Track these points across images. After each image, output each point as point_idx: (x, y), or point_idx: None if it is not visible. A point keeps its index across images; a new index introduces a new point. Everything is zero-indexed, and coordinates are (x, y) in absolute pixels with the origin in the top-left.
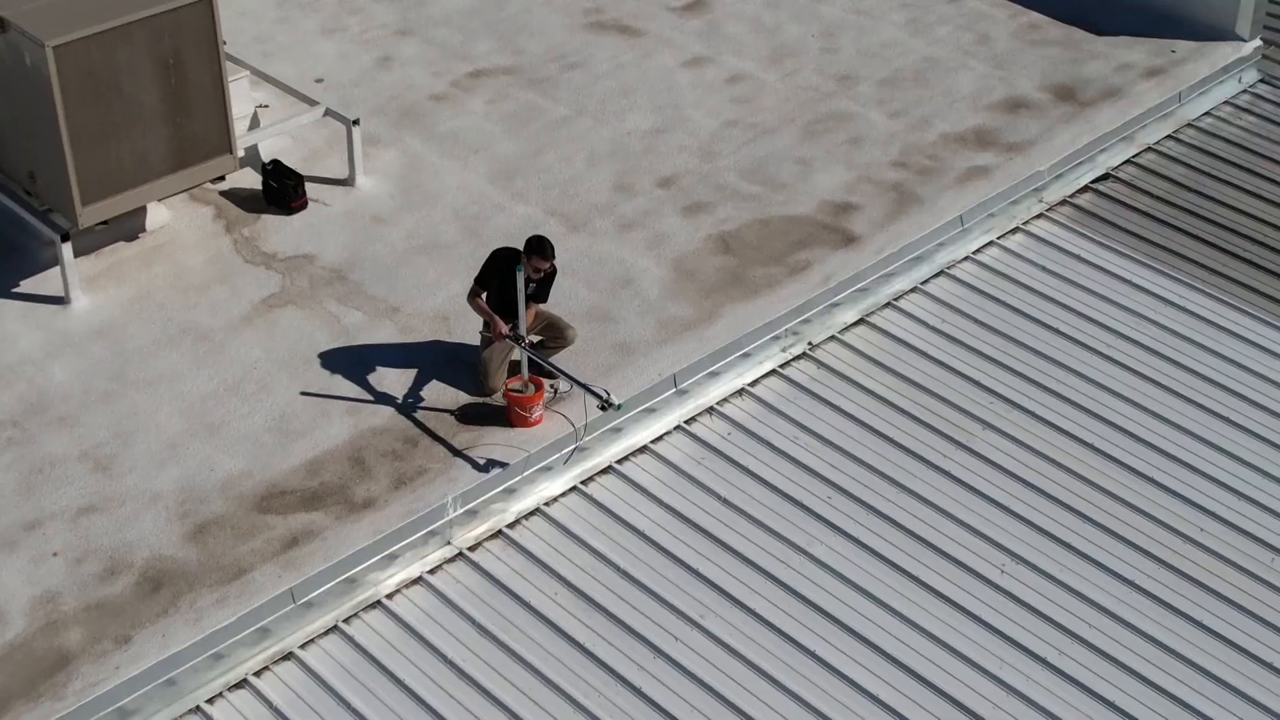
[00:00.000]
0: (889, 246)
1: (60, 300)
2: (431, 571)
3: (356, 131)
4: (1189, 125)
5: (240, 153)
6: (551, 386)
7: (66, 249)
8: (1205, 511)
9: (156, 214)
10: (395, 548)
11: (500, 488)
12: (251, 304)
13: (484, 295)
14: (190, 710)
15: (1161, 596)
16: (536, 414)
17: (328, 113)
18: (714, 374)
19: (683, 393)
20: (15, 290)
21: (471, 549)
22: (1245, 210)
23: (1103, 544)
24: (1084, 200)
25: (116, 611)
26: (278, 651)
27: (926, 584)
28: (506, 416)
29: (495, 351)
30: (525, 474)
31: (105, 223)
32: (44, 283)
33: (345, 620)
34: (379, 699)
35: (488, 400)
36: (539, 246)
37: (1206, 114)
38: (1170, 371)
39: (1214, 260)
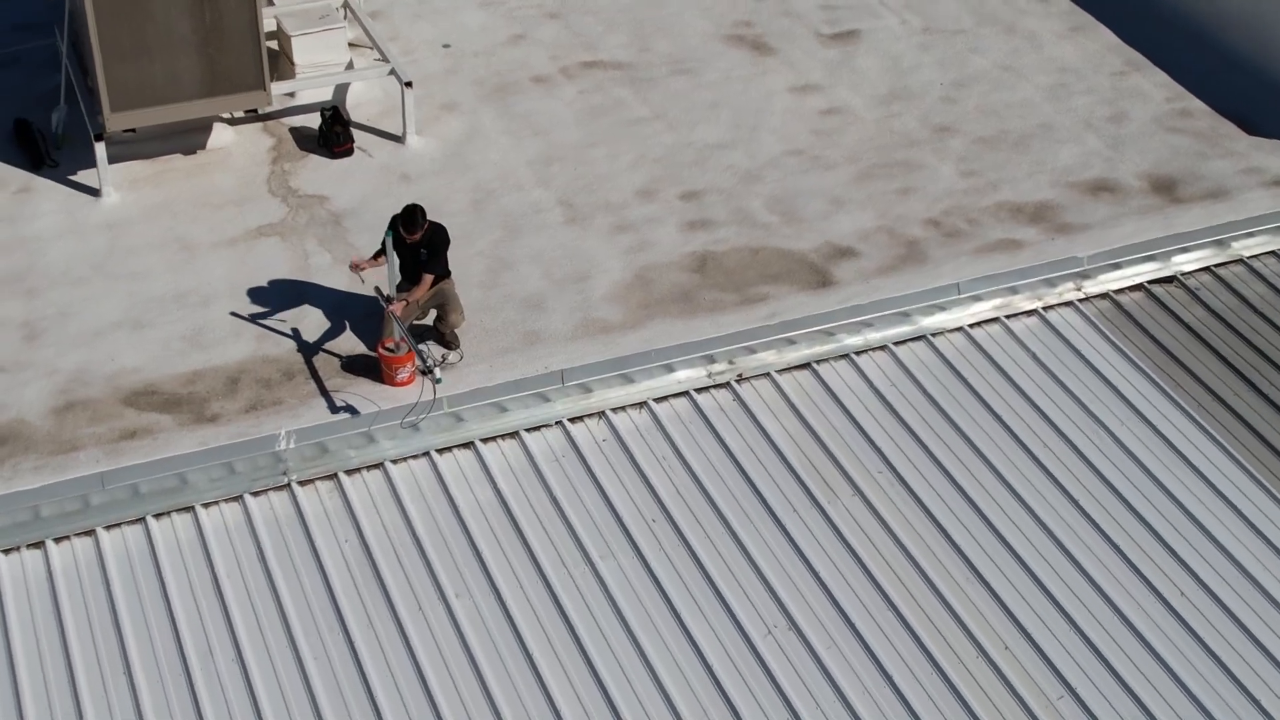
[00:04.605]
0: (859, 298)
1: (95, 193)
2: (255, 494)
3: (409, 94)
4: None
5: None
6: (443, 355)
7: (100, 148)
8: (1020, 628)
9: (221, 135)
10: (226, 460)
11: (339, 434)
12: (246, 229)
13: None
14: None
15: (913, 703)
16: (403, 375)
17: (391, 72)
18: (628, 380)
19: (586, 390)
20: (70, 177)
21: (303, 483)
22: None
23: (890, 632)
24: (1129, 298)
25: None
26: (86, 526)
27: (684, 624)
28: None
29: (403, 311)
30: (375, 427)
31: (133, 130)
32: (95, 175)
33: (157, 515)
34: (138, 593)
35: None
36: (407, 217)
37: None
38: (1092, 486)
39: (1233, 392)
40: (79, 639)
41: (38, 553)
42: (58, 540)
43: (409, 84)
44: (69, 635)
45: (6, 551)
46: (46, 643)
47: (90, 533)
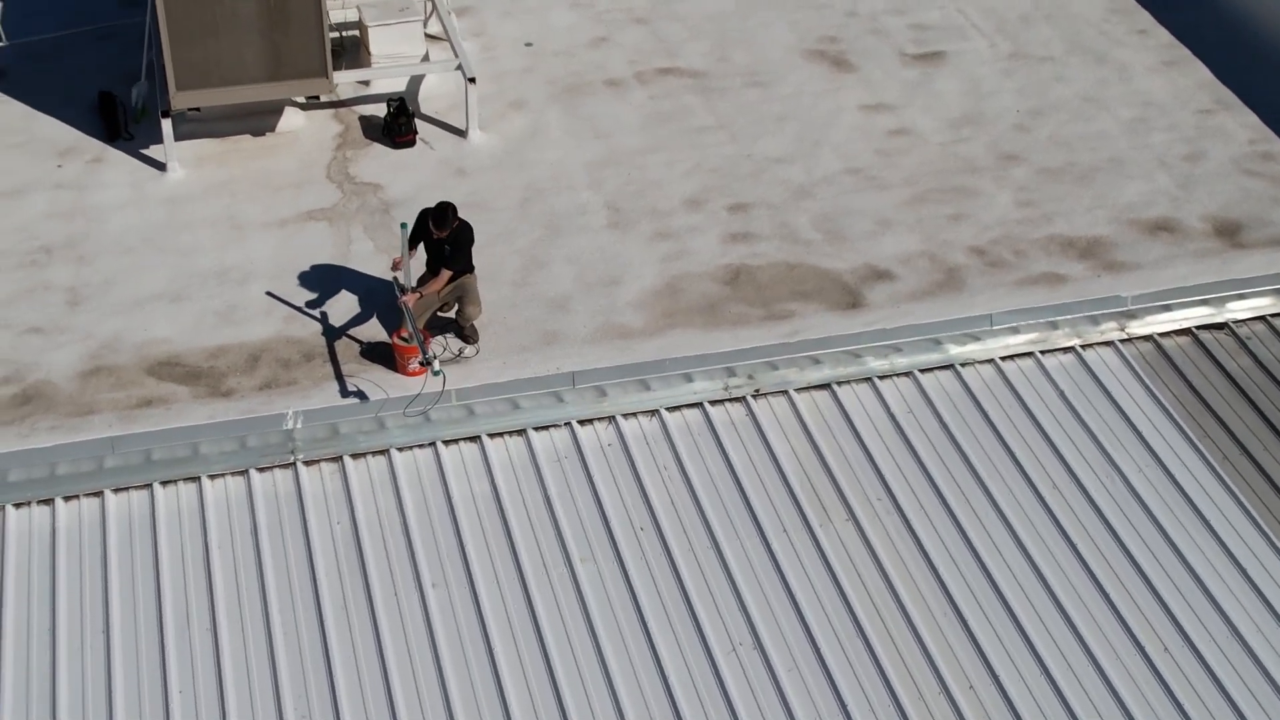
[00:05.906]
0: (885, 322)
1: (161, 167)
2: (261, 470)
3: (473, 89)
4: None
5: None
6: (460, 348)
7: (166, 124)
8: (989, 668)
9: (292, 119)
10: (239, 435)
11: (342, 419)
12: (297, 212)
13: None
14: None
15: None
16: (414, 365)
17: (458, 67)
18: (644, 386)
19: (601, 394)
20: (141, 150)
21: (309, 463)
22: None
23: (855, 659)
24: (1174, 342)
25: None
26: (95, 487)
27: (649, 633)
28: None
29: (417, 303)
30: (380, 414)
31: (197, 110)
32: (164, 151)
33: (164, 482)
34: (132, 556)
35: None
36: (439, 213)
37: None
38: (1094, 530)
39: (1262, 446)
40: (68, 595)
41: (46, 509)
42: (67, 499)
43: (472, 80)
44: (59, 591)
45: (18, 505)
46: (37, 596)
47: (99, 494)
